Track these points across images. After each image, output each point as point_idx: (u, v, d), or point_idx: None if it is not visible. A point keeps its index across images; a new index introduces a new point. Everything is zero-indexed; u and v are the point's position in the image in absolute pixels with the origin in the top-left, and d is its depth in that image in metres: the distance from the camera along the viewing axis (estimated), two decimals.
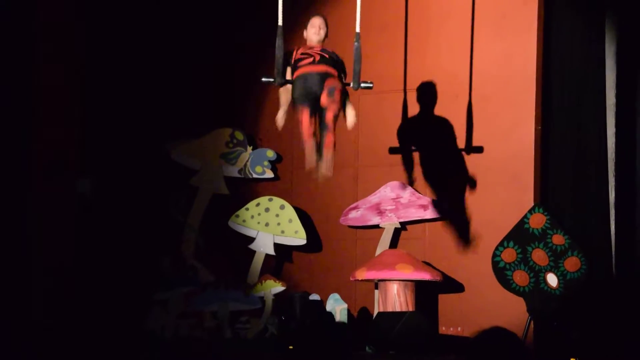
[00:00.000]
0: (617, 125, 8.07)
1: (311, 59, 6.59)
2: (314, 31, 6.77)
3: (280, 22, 6.52)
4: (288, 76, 6.66)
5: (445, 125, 8.34)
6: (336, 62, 6.72)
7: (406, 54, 8.42)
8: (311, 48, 6.73)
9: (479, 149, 8.16)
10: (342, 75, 6.77)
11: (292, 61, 6.67)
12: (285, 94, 6.73)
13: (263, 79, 6.64)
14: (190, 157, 8.96)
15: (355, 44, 6.57)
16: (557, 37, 8.18)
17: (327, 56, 6.67)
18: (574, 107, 8.14)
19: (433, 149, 8.39)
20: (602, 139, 8.03)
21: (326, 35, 6.86)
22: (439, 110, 8.36)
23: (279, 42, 6.47)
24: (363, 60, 6.64)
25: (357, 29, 6.63)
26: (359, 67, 6.57)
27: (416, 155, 8.43)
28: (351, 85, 6.64)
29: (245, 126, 9.01)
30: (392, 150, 8.47)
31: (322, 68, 6.56)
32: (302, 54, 6.65)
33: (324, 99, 6.37)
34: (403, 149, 8.46)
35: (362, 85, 6.61)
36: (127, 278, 8.71)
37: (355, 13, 6.71)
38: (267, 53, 8.15)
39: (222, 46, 9.21)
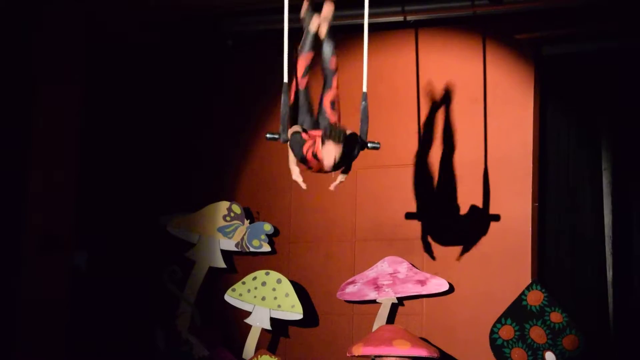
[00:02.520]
0: (613, 203, 8.10)
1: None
2: (328, 161, 6.26)
3: (285, 79, 6.49)
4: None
5: (443, 199, 8.38)
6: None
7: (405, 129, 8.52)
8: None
9: (499, 223, 8.18)
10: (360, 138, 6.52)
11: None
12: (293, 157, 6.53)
13: (267, 136, 6.47)
14: (187, 231, 8.96)
15: (363, 103, 6.47)
16: (553, 117, 8.29)
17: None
18: (570, 184, 8.20)
19: (431, 223, 8.40)
20: (598, 216, 8.06)
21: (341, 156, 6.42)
22: (438, 186, 8.40)
23: (284, 98, 6.39)
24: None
25: (364, 89, 6.53)
26: (366, 126, 6.47)
27: (415, 230, 8.44)
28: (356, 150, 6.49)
29: (243, 200, 9.02)
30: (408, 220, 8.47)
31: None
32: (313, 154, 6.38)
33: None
34: (401, 223, 8.48)
35: (369, 145, 6.47)
36: (121, 352, 8.65)
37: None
38: (266, 125, 8.28)
39: (219, 120, 9.27)
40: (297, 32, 6.64)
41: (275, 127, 6.49)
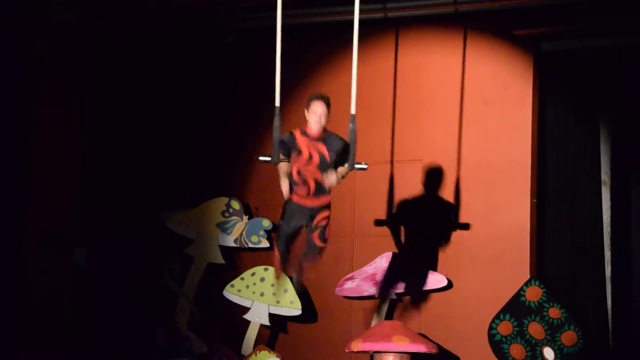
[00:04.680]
0: (612, 199, 8.14)
1: (306, 190, 6.61)
2: (315, 119, 6.61)
3: (277, 103, 6.58)
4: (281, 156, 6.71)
5: (442, 198, 8.39)
6: (339, 154, 6.63)
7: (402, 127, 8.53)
8: (308, 163, 6.61)
9: (466, 226, 8.21)
10: (348, 158, 6.66)
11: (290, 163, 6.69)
12: (283, 167, 6.69)
13: (260, 158, 6.68)
14: (185, 227, 8.97)
15: (350, 125, 6.55)
16: (552, 113, 8.31)
17: (327, 161, 6.62)
18: (569, 180, 8.22)
19: (430, 221, 8.41)
20: (597, 213, 8.08)
21: (327, 119, 6.70)
22: (436, 182, 8.41)
23: (276, 122, 6.52)
24: (363, 133, 6.67)
25: (353, 111, 6.58)
26: (353, 148, 6.59)
27: (413, 227, 8.45)
28: (345, 165, 6.63)
29: (242, 196, 9.03)
30: (378, 223, 8.49)
31: (316, 202, 6.67)
32: (298, 173, 6.60)
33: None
34: (397, 221, 8.49)
35: (357, 166, 6.63)
36: (121, 348, 8.66)
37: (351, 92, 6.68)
38: (264, 122, 8.29)
39: (219, 116, 9.27)
40: (292, 30, 6.66)
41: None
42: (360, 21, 6.65)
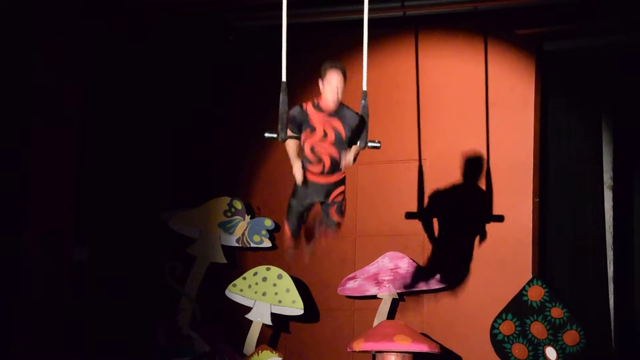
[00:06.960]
0: (614, 199, 8.13)
1: (320, 167, 6.22)
2: (332, 91, 6.19)
3: (284, 78, 6.43)
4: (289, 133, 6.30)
5: (444, 195, 8.38)
6: (353, 130, 6.27)
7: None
8: (323, 141, 6.22)
9: (500, 218, 8.15)
10: (361, 136, 6.32)
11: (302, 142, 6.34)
12: (292, 146, 6.34)
13: (266, 134, 6.29)
14: (187, 226, 8.97)
15: (362, 102, 6.34)
16: (555, 113, 8.30)
17: (342, 139, 6.26)
18: (571, 180, 8.21)
19: (432, 219, 8.40)
20: (599, 213, 8.07)
21: (343, 91, 6.31)
22: (439, 182, 8.41)
23: (282, 97, 6.21)
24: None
25: (364, 87, 6.38)
26: (366, 126, 6.29)
27: (416, 226, 8.44)
28: (358, 144, 6.31)
29: (244, 195, 9.03)
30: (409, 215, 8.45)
31: (331, 179, 6.29)
32: (311, 150, 6.21)
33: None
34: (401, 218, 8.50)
35: (370, 144, 6.31)
36: (122, 348, 8.67)
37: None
38: (265, 121, 8.26)
39: (220, 115, 9.27)
40: (295, 28, 6.63)
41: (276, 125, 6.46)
42: (377, 20, 6.56)
